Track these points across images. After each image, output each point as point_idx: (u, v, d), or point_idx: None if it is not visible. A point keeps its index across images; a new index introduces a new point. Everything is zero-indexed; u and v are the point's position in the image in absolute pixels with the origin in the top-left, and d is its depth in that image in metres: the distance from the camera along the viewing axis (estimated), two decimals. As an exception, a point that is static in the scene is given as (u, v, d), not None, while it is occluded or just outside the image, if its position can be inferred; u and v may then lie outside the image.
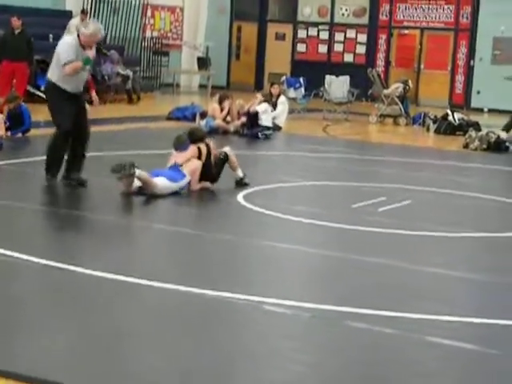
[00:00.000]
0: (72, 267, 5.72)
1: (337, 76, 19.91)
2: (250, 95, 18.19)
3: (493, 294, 5.96)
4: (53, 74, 8.88)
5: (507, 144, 14.87)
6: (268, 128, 14.76)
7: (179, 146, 8.99)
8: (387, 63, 25.80)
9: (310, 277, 6.18)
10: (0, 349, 4.27)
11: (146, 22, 25.00)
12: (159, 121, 16.38)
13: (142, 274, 5.62)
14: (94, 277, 5.57)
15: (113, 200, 8.36)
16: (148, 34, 24.91)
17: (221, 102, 15.06)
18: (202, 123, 14.83)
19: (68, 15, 21.62)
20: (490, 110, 23.91)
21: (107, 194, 8.62)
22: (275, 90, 16.34)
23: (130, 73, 20.05)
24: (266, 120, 14.88)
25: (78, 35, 8.84)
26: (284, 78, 20.31)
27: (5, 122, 11.12)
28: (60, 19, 21.39)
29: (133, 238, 7.00)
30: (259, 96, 15.34)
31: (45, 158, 8.93)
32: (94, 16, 22.50)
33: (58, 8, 22.13)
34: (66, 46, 8.82)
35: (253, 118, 14.70)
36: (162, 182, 8.35)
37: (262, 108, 14.90)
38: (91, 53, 8.93)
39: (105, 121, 15.89)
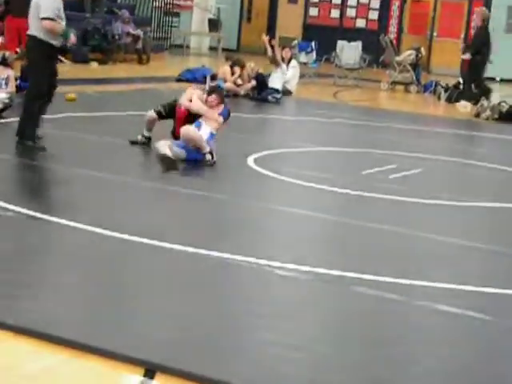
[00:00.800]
0: (72, 223, 5.71)
1: (349, 41, 19.76)
2: (260, 58, 18.08)
3: (500, 264, 5.94)
4: (36, 29, 8.30)
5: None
6: (277, 91, 14.66)
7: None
8: (400, 30, 25.58)
9: (316, 241, 6.16)
10: (5, 303, 4.27)
11: (158, -19, 24.78)
12: (169, 82, 16.29)
13: (148, 235, 5.61)
14: (99, 234, 5.55)
15: (121, 159, 8.34)
16: (159, -6, 24.69)
17: (233, 66, 14.97)
18: (212, 85, 14.74)
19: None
20: (503, 80, 23.74)
21: (115, 154, 8.60)
22: (286, 53, 16.21)
23: (140, 33, 19.91)
24: (274, 82, 14.77)
25: None
26: (295, 41, 20.15)
27: (16, 79, 11.05)
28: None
29: (140, 198, 6.97)
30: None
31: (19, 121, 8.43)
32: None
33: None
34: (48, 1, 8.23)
35: (261, 80, 14.61)
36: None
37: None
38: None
39: (114, 80, 15.83)
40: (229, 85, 14.63)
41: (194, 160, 8.18)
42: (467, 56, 16.44)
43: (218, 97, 8.74)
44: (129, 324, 4.15)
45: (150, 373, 3.65)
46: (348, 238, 6.27)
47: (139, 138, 9.05)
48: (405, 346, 4.22)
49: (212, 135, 8.42)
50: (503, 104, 14.93)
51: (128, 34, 19.65)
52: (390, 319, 4.60)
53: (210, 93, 8.85)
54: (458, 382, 3.88)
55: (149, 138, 9.06)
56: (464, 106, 15.93)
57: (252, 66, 15.01)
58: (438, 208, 7.43)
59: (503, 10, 24.26)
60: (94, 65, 18.12)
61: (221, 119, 8.62)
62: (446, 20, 25.05)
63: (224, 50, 24.42)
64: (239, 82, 14.81)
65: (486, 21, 16.97)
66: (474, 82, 16.30)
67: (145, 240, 5.51)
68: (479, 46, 16.47)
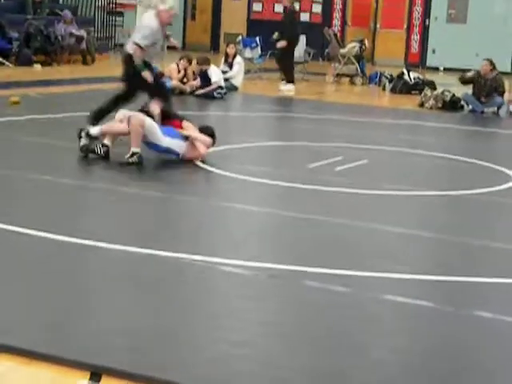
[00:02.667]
0: (16, 228, 5.67)
1: (293, 35, 19.81)
2: (206, 55, 18.05)
3: (446, 252, 6.03)
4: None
5: (462, 103, 14.98)
6: (221, 87, 14.67)
7: None
8: (343, 22, 25.77)
9: (266, 237, 6.19)
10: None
11: (100, -19, 24.60)
12: (114, 82, 16.18)
13: (98, 237, 5.59)
14: (45, 238, 5.52)
15: (68, 162, 8.28)
16: (102, -7, 24.52)
17: (178, 62, 14.95)
18: (157, 84, 14.69)
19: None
20: (446, 69, 24.06)
21: (60, 156, 8.53)
22: (231, 50, 16.24)
23: (83, 33, 19.77)
24: (217, 79, 14.76)
25: (157, 13, 9.04)
26: (240, 37, 20.17)
27: None
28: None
29: (88, 200, 6.94)
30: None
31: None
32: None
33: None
34: (148, 30, 9.00)
35: (205, 78, 14.60)
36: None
37: (212, 69, 14.80)
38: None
39: (59, 82, 15.69)
40: (175, 82, 14.60)
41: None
42: (283, 43, 16.39)
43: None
44: (75, 328, 4.13)
45: (95, 376, 3.64)
46: (293, 232, 6.30)
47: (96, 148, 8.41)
48: (355, 338, 4.26)
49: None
50: (446, 93, 15.13)
51: (71, 34, 19.49)
52: (340, 312, 4.64)
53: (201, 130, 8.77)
54: (410, 371, 3.93)
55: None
56: (288, 90, 16.29)
57: (194, 63, 14.98)
58: (383, 198, 7.51)
59: (444, 0, 24.57)
60: (38, 67, 17.94)
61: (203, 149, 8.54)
62: (389, 11, 25.30)
63: (169, 48, 24.33)
64: (185, 79, 14.78)
65: (293, 3, 17.03)
66: (287, 67, 16.50)
67: (91, 242, 5.48)
68: (292, 30, 16.54)
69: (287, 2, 16.89)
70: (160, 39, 9.29)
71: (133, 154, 8.03)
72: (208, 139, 8.58)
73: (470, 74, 14.83)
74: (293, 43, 16.66)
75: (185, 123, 8.61)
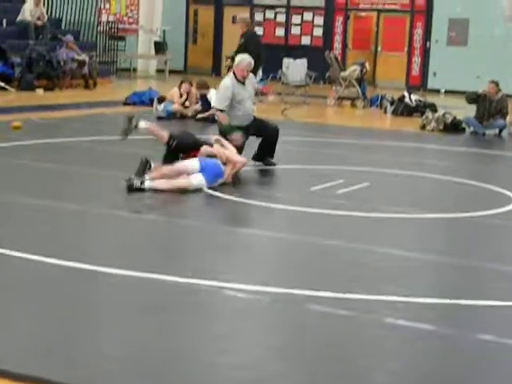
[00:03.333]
0: (15, 253, 5.67)
1: (294, 59, 19.93)
2: (207, 79, 18.12)
3: (448, 275, 6.02)
4: None
5: (463, 125, 15.01)
6: (222, 110, 14.66)
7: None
8: (344, 46, 25.89)
9: (268, 261, 6.19)
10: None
11: (102, 6, 24.76)
12: (116, 106, 16.26)
13: (99, 262, 5.59)
14: (51, 264, 5.52)
15: (70, 187, 8.30)
16: (104, 18, 24.68)
17: (180, 85, 15.00)
18: (159, 108, 14.77)
19: (22, 0, 21.32)
20: (447, 92, 24.13)
21: (63, 181, 8.56)
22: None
23: (86, 58, 19.86)
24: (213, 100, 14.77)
25: (232, 73, 9.71)
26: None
27: None
28: (14, 4, 21.12)
29: (88, 225, 6.94)
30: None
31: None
32: (49, 1, 22.25)
33: (11, -7, 21.82)
34: (222, 90, 9.72)
35: (205, 101, 14.63)
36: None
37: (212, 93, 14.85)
38: (250, 84, 9.82)
39: (61, 106, 15.75)
40: (176, 106, 14.65)
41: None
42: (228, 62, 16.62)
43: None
44: (73, 353, 4.12)
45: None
46: (297, 255, 6.30)
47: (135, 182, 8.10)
48: (356, 362, 4.25)
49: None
50: (448, 115, 15.15)
51: (73, 59, 19.58)
52: (341, 335, 4.64)
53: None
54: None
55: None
56: None
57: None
58: (385, 221, 7.51)
59: (444, 23, 24.69)
60: (40, 92, 18.01)
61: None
62: (389, 34, 25.41)
63: (171, 71, 24.46)
64: (187, 103, 14.83)
65: (248, 27, 17.08)
66: None
67: (95, 267, 5.48)
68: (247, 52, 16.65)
69: (244, 27, 16.96)
70: (244, 98, 9.72)
71: None
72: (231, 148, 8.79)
73: (476, 93, 14.84)
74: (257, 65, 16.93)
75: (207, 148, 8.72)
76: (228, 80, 9.79)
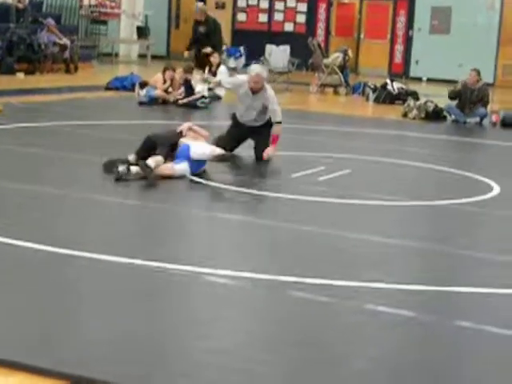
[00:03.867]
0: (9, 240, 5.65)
1: (277, 45, 19.90)
2: (191, 64, 18.05)
3: (428, 262, 6.05)
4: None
5: (445, 113, 15.06)
6: (204, 97, 14.68)
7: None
8: (327, 33, 25.86)
9: (248, 247, 6.19)
10: None
11: (84, -11, 24.60)
12: (98, 91, 16.19)
13: (80, 247, 5.57)
14: (35, 249, 5.50)
15: (50, 171, 8.25)
16: (85, 2, 24.50)
17: (164, 72, 14.95)
18: (141, 93, 14.71)
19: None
20: (429, 80, 24.18)
21: (44, 165, 8.51)
22: (215, 59, 16.27)
23: (67, 42, 19.73)
24: (201, 88, 14.75)
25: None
26: (224, 47, 20.21)
27: None
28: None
29: (72, 209, 6.91)
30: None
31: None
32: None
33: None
34: (236, 77, 10.16)
35: (188, 87, 14.60)
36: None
37: (196, 77, 14.82)
38: (262, 99, 9.61)
39: (42, 90, 15.66)
40: (158, 92, 14.61)
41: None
42: (208, 50, 16.62)
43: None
44: (58, 338, 4.12)
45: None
46: (277, 242, 6.31)
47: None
48: (335, 348, 4.26)
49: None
50: (429, 103, 15.20)
51: (54, 43, 19.45)
52: (321, 321, 4.65)
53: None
54: (391, 381, 3.93)
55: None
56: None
57: (180, 71, 14.98)
58: (366, 208, 7.53)
59: (427, 11, 24.72)
60: (21, 75, 17.89)
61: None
62: (372, 22, 25.42)
63: (153, 56, 24.36)
64: (170, 89, 14.78)
65: (206, 14, 17.14)
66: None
67: (79, 253, 5.47)
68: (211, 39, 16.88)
69: (203, 15, 16.98)
70: (249, 107, 9.68)
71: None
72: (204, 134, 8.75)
73: (458, 87, 14.87)
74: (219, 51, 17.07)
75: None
76: (245, 77, 9.73)
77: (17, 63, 18.33)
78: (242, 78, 9.99)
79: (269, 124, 9.83)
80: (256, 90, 9.61)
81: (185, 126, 8.68)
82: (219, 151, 8.30)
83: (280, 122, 9.63)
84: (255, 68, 9.84)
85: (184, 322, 4.49)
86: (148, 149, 8.23)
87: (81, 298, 4.76)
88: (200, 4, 17.71)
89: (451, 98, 14.91)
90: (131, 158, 8.18)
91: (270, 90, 9.77)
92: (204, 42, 16.75)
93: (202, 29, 16.88)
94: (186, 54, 17.32)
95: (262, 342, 4.31)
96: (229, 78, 9.94)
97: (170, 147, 8.31)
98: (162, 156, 8.14)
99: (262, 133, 9.73)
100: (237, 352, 4.08)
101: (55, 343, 4.05)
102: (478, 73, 14.77)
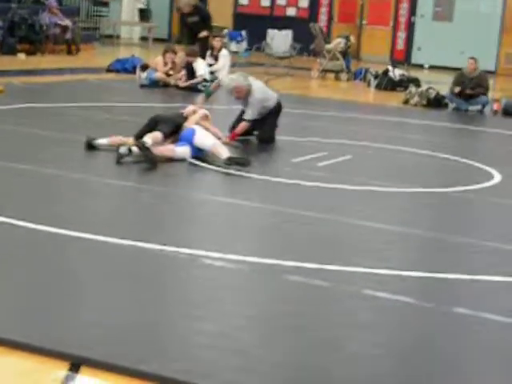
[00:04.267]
0: (15, 221, 5.65)
1: (279, 30, 19.84)
2: (194, 48, 18.00)
3: (427, 249, 6.06)
4: None
5: (446, 100, 15.02)
6: (206, 80, 14.64)
7: None
8: (330, 18, 25.76)
9: (247, 231, 6.19)
10: None
11: (86, -30, 24.49)
12: (99, 73, 16.15)
13: (80, 227, 5.58)
14: (35, 229, 5.50)
15: (51, 152, 8.24)
16: (88, -17, 24.42)
17: (164, 54, 14.92)
18: (142, 75, 14.68)
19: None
20: (431, 67, 24.11)
21: (45, 146, 8.50)
22: (217, 42, 16.22)
23: (69, 23, 19.67)
24: (203, 72, 14.70)
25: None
26: (226, 30, 20.16)
27: None
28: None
29: (73, 191, 6.91)
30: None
31: None
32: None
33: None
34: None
35: (190, 70, 14.56)
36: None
37: (199, 62, 14.77)
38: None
39: (43, 71, 15.63)
40: (159, 75, 14.58)
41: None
42: (205, 33, 16.61)
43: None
44: (56, 319, 4.12)
45: (75, 367, 3.64)
46: (275, 226, 6.30)
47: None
48: (333, 332, 4.27)
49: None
50: (431, 90, 15.16)
51: (56, 24, 19.38)
52: (319, 306, 4.65)
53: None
54: (389, 366, 3.94)
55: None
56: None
57: (181, 55, 14.93)
58: (365, 194, 7.52)
59: (430, -2, 24.61)
60: (22, 56, 17.84)
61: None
62: (375, 8, 25.31)
63: (155, 39, 24.28)
64: (171, 72, 14.75)
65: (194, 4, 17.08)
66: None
67: (75, 233, 5.47)
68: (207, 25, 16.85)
69: (190, 6, 16.87)
70: (245, 107, 9.80)
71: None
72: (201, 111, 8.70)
73: (457, 84, 14.74)
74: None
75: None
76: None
77: (18, 44, 18.27)
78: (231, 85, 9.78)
79: (274, 110, 9.87)
80: (241, 98, 9.74)
81: (190, 108, 8.73)
82: (224, 150, 8.18)
83: (248, 121, 9.62)
84: (231, 82, 9.71)
85: (180, 304, 4.49)
86: (150, 129, 8.23)
87: (79, 280, 4.77)
88: (183, 1, 17.57)
89: (455, 94, 14.74)
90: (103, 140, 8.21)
91: (257, 94, 9.69)
92: (198, 28, 16.68)
93: (194, 18, 16.85)
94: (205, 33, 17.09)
95: (258, 325, 4.32)
96: (226, 81, 9.83)
97: (175, 128, 8.32)
98: (162, 133, 8.14)
99: (265, 120, 9.78)
100: (232, 335, 4.09)
101: (54, 324, 4.05)
102: (476, 61, 14.72)
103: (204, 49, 16.32)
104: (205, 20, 16.82)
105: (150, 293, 4.60)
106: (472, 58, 14.77)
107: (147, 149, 7.78)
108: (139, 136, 8.17)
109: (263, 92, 9.89)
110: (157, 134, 8.08)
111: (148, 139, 7.93)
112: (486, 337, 4.37)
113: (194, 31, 16.80)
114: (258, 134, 9.80)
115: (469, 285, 5.20)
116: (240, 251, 5.40)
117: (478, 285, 5.20)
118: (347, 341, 4.16)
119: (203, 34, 16.56)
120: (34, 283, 4.60)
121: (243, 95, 9.66)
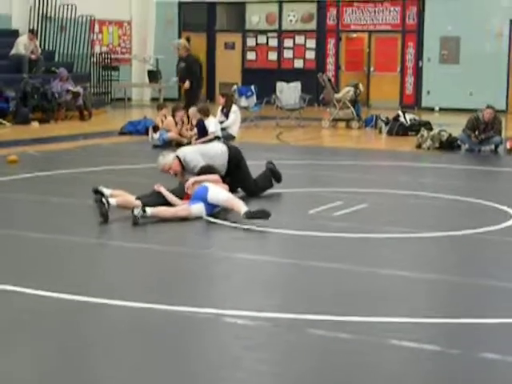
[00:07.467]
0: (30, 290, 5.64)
1: (288, 82, 19.98)
2: (207, 106, 18.13)
3: (450, 294, 5.99)
4: None
5: (459, 142, 15.01)
6: (218, 137, 14.72)
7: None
8: (337, 67, 25.96)
9: (268, 286, 6.15)
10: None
11: (94, 37, 24.86)
12: (112, 136, 16.28)
13: (102, 293, 5.56)
14: (54, 298, 5.49)
15: (68, 219, 8.27)
16: (97, 49, 24.78)
17: (174, 114, 15.03)
18: (155, 136, 14.78)
19: (15, 34, 21.43)
20: (441, 109, 24.18)
21: (63, 214, 8.54)
22: (222, 100, 16.31)
23: (80, 89, 19.90)
24: (214, 129, 14.78)
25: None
26: (235, 86, 20.31)
27: None
28: (6, 38, 21.18)
29: (92, 256, 6.92)
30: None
31: None
32: (41, 34, 22.31)
33: (4, 27, 21.90)
34: None
35: (202, 128, 14.64)
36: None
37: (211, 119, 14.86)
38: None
39: (57, 139, 15.76)
40: (172, 135, 14.68)
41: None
42: (187, 85, 16.83)
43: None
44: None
45: None
46: (296, 280, 6.27)
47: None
48: (360, 384, 4.22)
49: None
50: (443, 133, 15.16)
51: (68, 91, 19.62)
52: (345, 359, 4.60)
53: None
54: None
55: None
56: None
57: (193, 110, 15.01)
58: (384, 242, 7.48)
59: (436, 41, 24.77)
60: (35, 125, 18.03)
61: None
62: (382, 55, 25.50)
63: (166, 99, 24.50)
64: (184, 132, 14.85)
65: (189, 51, 17.31)
66: (192, 105, 16.29)
67: (89, 299, 5.46)
68: (191, 74, 16.97)
69: (185, 51, 17.12)
70: None
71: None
72: (212, 176, 8.67)
73: (471, 121, 14.75)
74: (196, 86, 17.19)
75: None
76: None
77: (31, 113, 18.49)
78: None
79: (231, 160, 9.80)
80: (179, 170, 9.21)
81: (189, 182, 8.58)
82: (237, 202, 8.20)
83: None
84: (158, 166, 9.26)
85: (203, 366, 4.44)
86: (154, 204, 8.21)
87: (96, 344, 4.74)
88: (180, 40, 17.85)
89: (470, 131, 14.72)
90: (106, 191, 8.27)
91: (188, 157, 9.26)
92: (182, 76, 16.95)
93: (181, 64, 17.13)
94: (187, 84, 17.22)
95: (283, 383, 4.26)
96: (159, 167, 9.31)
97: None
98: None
99: (236, 177, 9.71)
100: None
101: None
102: (493, 109, 14.67)
103: (190, 100, 16.44)
104: (188, 68, 17.00)
105: (171, 355, 4.56)
106: (489, 107, 14.70)
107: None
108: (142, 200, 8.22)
109: (193, 151, 9.49)
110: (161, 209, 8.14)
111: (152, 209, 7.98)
112: (517, 381, 4.30)
113: (180, 78, 17.06)
114: (244, 191, 9.68)
115: (495, 329, 5.13)
116: (261, 307, 5.36)
117: (504, 328, 5.13)
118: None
119: (186, 84, 16.75)
120: (51, 350, 4.58)
121: (179, 168, 9.19)
